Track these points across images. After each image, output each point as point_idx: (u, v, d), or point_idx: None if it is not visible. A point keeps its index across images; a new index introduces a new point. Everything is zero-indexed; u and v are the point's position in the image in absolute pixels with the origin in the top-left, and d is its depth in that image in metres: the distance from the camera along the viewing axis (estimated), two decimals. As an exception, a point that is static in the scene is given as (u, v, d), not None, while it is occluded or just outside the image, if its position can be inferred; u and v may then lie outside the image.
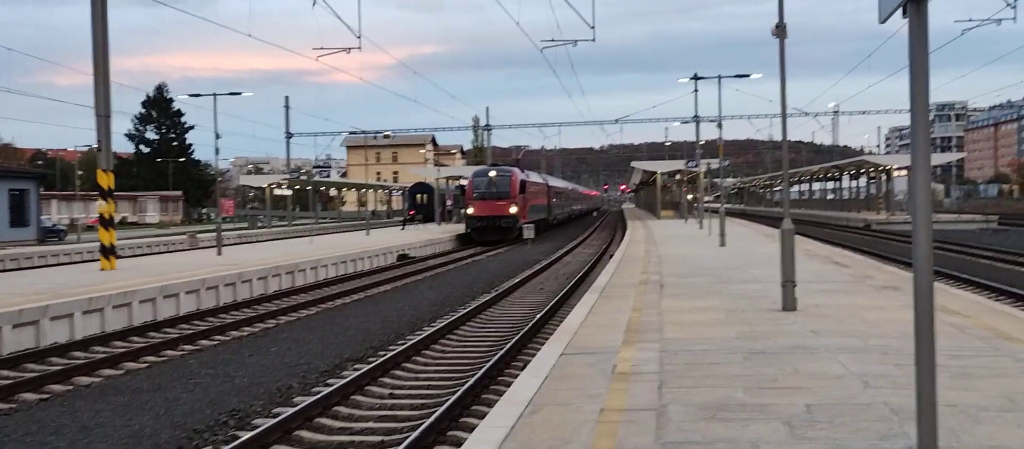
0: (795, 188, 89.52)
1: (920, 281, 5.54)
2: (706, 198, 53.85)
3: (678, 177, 66.00)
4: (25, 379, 11.41)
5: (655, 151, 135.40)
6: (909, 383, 6.14)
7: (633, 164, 79.78)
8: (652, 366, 8.47)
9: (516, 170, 47.56)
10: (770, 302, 12.94)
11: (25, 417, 9.63)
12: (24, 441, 8.62)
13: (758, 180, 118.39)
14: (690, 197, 59.82)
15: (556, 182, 73.40)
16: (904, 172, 62.74)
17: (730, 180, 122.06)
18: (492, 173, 46.10)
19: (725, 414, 6.60)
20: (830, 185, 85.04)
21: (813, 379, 7.73)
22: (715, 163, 49.70)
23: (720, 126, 38.11)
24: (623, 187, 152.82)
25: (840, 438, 5.89)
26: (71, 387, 11.28)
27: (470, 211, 44.56)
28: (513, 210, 44.08)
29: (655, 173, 66.03)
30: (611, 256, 28.29)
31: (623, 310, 12.75)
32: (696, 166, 51.83)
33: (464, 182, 46.84)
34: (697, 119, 54.09)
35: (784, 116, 13.44)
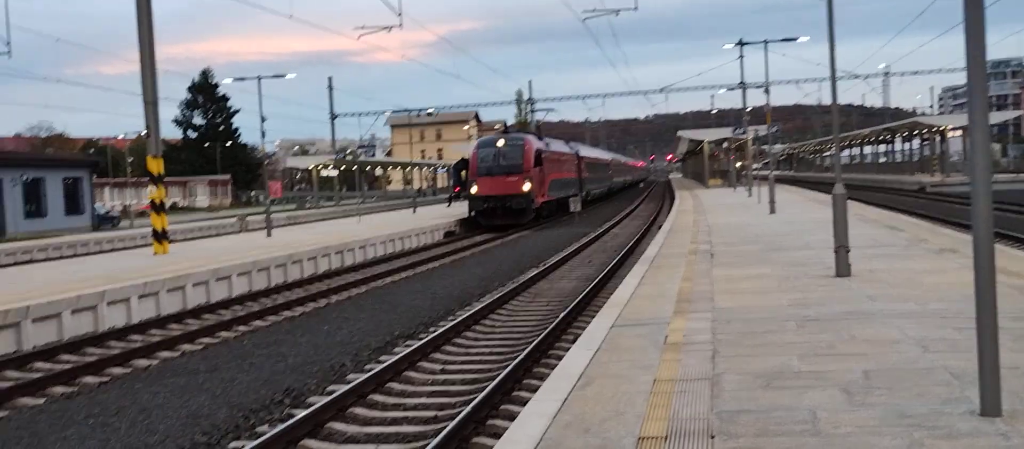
0: (846, 152, 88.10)
1: (980, 242, 5.40)
2: (755, 165, 52.94)
3: (725, 145, 65.28)
4: (86, 363, 11.66)
5: (701, 119, 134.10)
6: (970, 347, 6.00)
7: (679, 133, 79.17)
8: (704, 336, 8.38)
9: (530, 138, 38.71)
10: (823, 268, 12.74)
11: (87, 400, 9.84)
12: (87, 423, 8.81)
13: (807, 145, 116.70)
14: (738, 165, 59.15)
15: (590, 151, 63.46)
16: (959, 133, 61.38)
17: (779, 146, 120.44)
18: (500, 142, 37.00)
19: (780, 382, 6.51)
20: (882, 148, 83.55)
21: (870, 345, 7.59)
22: (763, 129, 48.95)
23: (767, 92, 37.66)
24: (669, 157, 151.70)
25: (900, 404, 5.77)
26: (130, 369, 11.50)
27: (474, 189, 35.77)
28: (526, 187, 35.54)
29: (702, 142, 65.41)
30: (660, 227, 28.10)
31: (673, 280, 12.65)
32: (743, 133, 51.20)
33: (469, 155, 38.55)
34: (743, 85, 53.33)
35: (833, 79, 13.16)
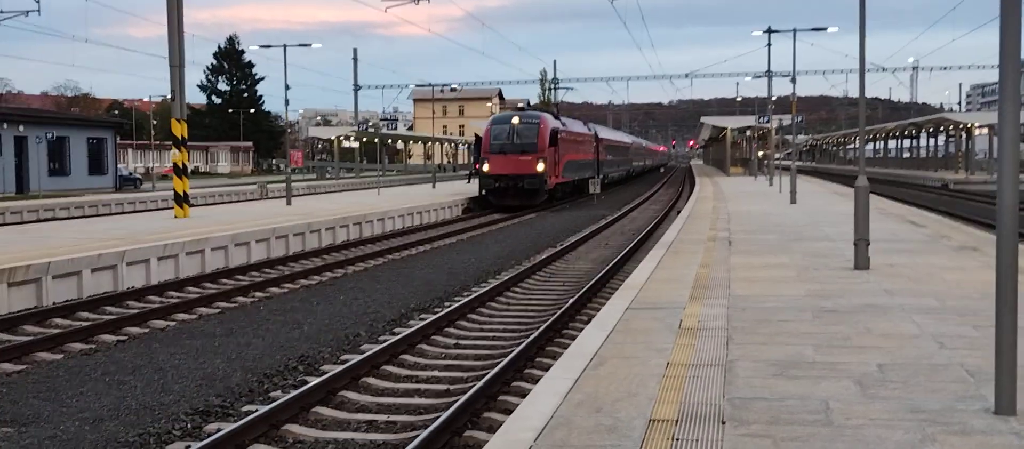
0: (870, 146, 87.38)
1: (1004, 239, 5.35)
2: (777, 155, 52.59)
3: (748, 133, 64.90)
4: (104, 321, 11.78)
5: (725, 107, 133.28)
6: (987, 345, 5.96)
7: (703, 119, 78.66)
8: (720, 322, 8.37)
9: (546, 116, 36.86)
10: (842, 261, 12.67)
11: (104, 357, 9.95)
12: (103, 380, 8.91)
13: (831, 137, 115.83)
14: (760, 154, 58.80)
15: (609, 133, 61.12)
16: (985, 130, 60.69)
17: (802, 137, 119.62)
18: (515, 120, 35.21)
19: (794, 371, 6.49)
20: (907, 143, 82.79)
21: (886, 338, 7.56)
22: (787, 119, 48.59)
23: (793, 81, 37.26)
24: (691, 143, 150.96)
25: (914, 398, 5.75)
26: (147, 330, 11.61)
27: (485, 167, 34.20)
28: (540, 167, 34.03)
29: (725, 129, 65.04)
30: (679, 212, 28.01)
31: (690, 266, 12.62)
32: (767, 122, 50.87)
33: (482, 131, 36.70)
34: (769, 74, 52.89)
35: (862, 71, 13.03)
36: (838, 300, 9.51)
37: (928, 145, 74.51)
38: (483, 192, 34.27)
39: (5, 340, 10.97)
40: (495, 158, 34.12)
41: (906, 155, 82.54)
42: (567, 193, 39.74)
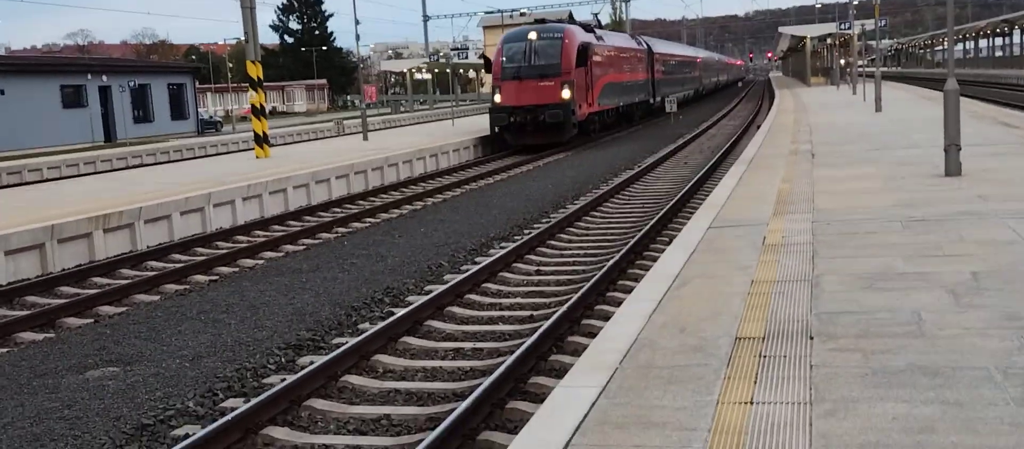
0: (959, 46, 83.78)
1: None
2: (860, 62, 50.81)
3: (829, 41, 62.81)
4: (196, 262, 12.16)
5: (804, 15, 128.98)
6: (1091, 248, 5.73)
7: (780, 29, 76.33)
8: (804, 237, 8.21)
9: (573, 29, 29.24)
10: (931, 168, 12.27)
11: (198, 297, 10.30)
12: (200, 319, 9.23)
13: (917, 40, 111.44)
14: (842, 62, 56.96)
15: (667, 47, 51.14)
16: (1083, 23, 57.57)
17: (886, 42, 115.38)
18: (532, 35, 27.95)
19: (883, 284, 6.35)
20: (999, 42, 79.14)
21: (980, 246, 7.32)
22: (870, 24, 46.80)
23: (875, -17, 35.72)
24: (769, 55, 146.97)
25: (1011, 306, 5.57)
26: (237, 269, 11.95)
27: (497, 98, 27.67)
28: (565, 94, 26.99)
29: (804, 38, 63.04)
30: (758, 126, 27.45)
31: (772, 181, 12.38)
32: (849, 28, 49.10)
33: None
34: (850, -23, 50.88)
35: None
36: (928, 209, 9.23)
37: (1022, 42, 71.08)
38: (496, 129, 27.51)
39: (105, 284, 11.43)
40: (509, 85, 27.44)
41: (999, 54, 78.99)
42: (606, 124, 32.88)
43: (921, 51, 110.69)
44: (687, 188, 16.05)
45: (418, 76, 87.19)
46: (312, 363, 7.24)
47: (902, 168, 12.72)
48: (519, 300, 9.49)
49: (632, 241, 11.25)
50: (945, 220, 8.52)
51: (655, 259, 9.14)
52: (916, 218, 8.75)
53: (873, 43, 57.64)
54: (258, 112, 23.82)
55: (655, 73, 41.62)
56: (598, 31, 33.35)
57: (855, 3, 48.92)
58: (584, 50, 28.36)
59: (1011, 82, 54.36)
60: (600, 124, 31.67)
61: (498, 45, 29.18)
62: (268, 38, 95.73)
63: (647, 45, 41.38)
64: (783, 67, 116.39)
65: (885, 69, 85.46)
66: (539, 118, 26.78)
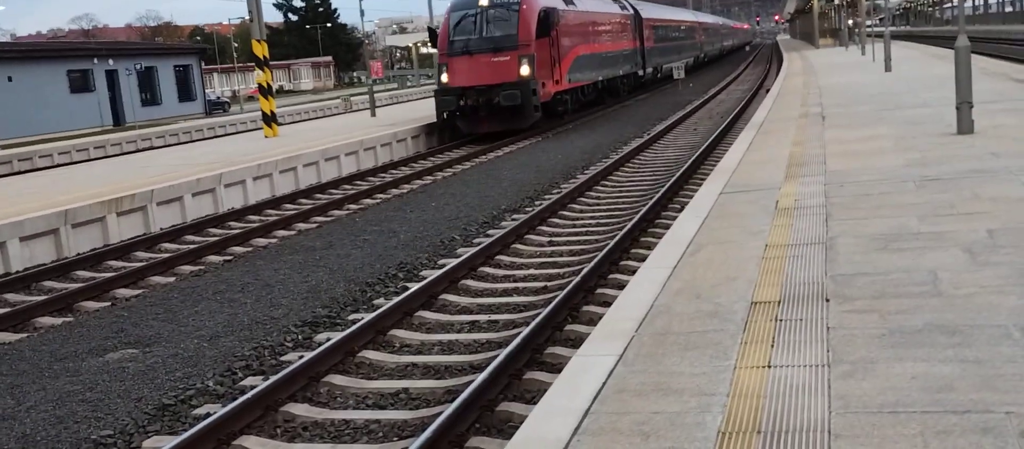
0: (968, 2, 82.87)
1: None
2: (868, 22, 50.36)
3: (837, 1, 62.26)
4: (210, 242, 12.21)
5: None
6: (1107, 202, 5.69)
7: (786, -8, 75.58)
8: (817, 199, 8.19)
9: None
10: (943, 126, 12.19)
11: (214, 277, 10.35)
12: (215, 299, 9.28)
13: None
14: (850, 22, 56.48)
15: (659, 12, 44.97)
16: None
17: (894, 0, 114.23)
18: (484, 1, 23.35)
19: (898, 244, 6.33)
20: (1008, -4, 78.27)
21: (995, 203, 7.28)
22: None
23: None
24: (777, 17, 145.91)
25: (1027, 264, 5.55)
26: (250, 248, 11.99)
27: (443, 77, 23.36)
28: (524, 70, 22.65)
29: (810, -1, 62.52)
30: (767, 90, 27.31)
31: (783, 145, 12.33)
32: (855, -12, 48.63)
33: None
34: (856, -64, 50.32)
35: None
36: (941, 167, 9.19)
37: (1031, -3, 70.29)
38: (444, 115, 23.09)
39: (121, 267, 11.50)
40: (458, 63, 23.06)
41: (1009, 9, 78.16)
42: (581, 103, 28.52)
43: (930, 9, 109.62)
44: (697, 154, 16.00)
45: (424, 50, 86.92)
46: (329, 340, 7.28)
47: (914, 127, 12.65)
48: (533, 271, 9.51)
49: (644, 208, 11.24)
50: (959, 178, 8.48)
51: (668, 226, 9.13)
52: (930, 177, 8.72)
53: (881, 2, 57.06)
54: (265, 91, 23.81)
55: (644, 41, 37.29)
56: None
57: (862, -38, 48.49)
58: (547, 17, 23.79)
59: (1022, 37, 53.83)
60: (574, 104, 27.31)
61: (445, 14, 24.52)
62: (272, 16, 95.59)
63: (633, 9, 36.46)
64: (791, 29, 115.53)
65: (894, 29, 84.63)
66: (493, 100, 22.48)
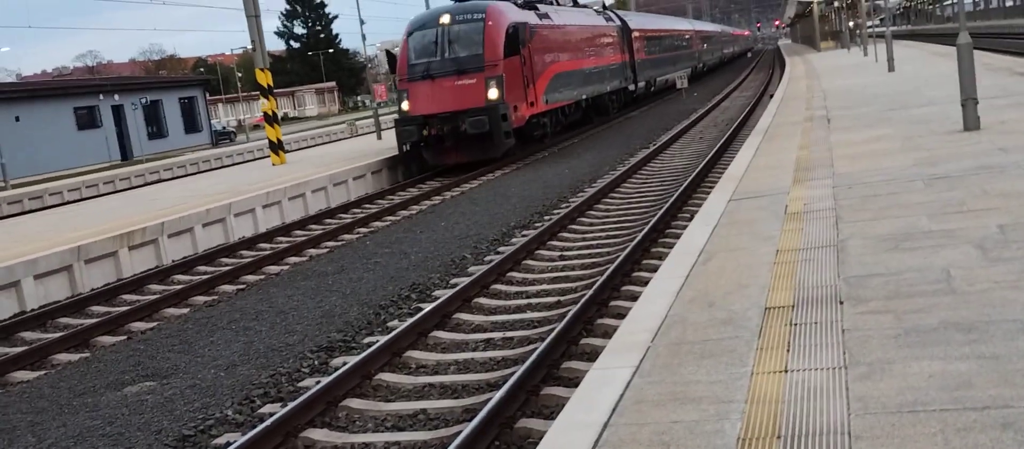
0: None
1: None
2: (869, 23, 50.33)
3: (837, 3, 62.32)
4: (222, 272, 12.26)
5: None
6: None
7: (785, -4, 75.67)
8: (826, 203, 8.20)
9: (500, 5, 22.21)
10: (949, 124, 12.19)
11: (227, 306, 10.39)
12: (230, 328, 9.32)
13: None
14: (851, 23, 56.52)
15: (648, 22, 42.68)
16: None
17: (894, 0, 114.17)
18: (445, 19, 21.30)
19: (909, 243, 6.33)
20: (1008, -9, 78.17)
21: (1005, 198, 7.28)
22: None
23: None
24: (777, 22, 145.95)
25: (1040, 257, 5.55)
26: (263, 276, 12.04)
27: (404, 105, 21.09)
28: (493, 94, 20.51)
29: (811, 2, 62.63)
30: (771, 96, 27.34)
31: (789, 149, 12.34)
32: (855, -11, 48.69)
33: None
34: (852, -62, 50.42)
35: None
36: (949, 165, 9.18)
37: (1031, -10, 70.18)
38: (406, 147, 20.95)
39: (134, 300, 11.55)
40: (418, 88, 20.87)
41: (1010, 3, 78.08)
42: (567, 125, 26.58)
43: (930, 7, 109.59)
44: (704, 162, 16.02)
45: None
46: (345, 363, 7.30)
47: (919, 126, 12.65)
48: (545, 286, 9.52)
49: (654, 219, 11.26)
50: (967, 175, 8.48)
51: (678, 236, 9.14)
52: (938, 175, 8.71)
53: (881, 2, 57.16)
54: (271, 119, 23.94)
55: (635, 53, 35.10)
56: (543, 8, 25.79)
57: (860, -36, 48.56)
58: (516, 33, 21.46)
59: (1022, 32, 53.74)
60: (554, 126, 25.00)
61: (403, 35, 22.00)
62: (274, 44, 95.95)
63: (620, 20, 34.69)
64: (792, 34, 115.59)
65: (895, 28, 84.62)
66: (458, 128, 20.35)
